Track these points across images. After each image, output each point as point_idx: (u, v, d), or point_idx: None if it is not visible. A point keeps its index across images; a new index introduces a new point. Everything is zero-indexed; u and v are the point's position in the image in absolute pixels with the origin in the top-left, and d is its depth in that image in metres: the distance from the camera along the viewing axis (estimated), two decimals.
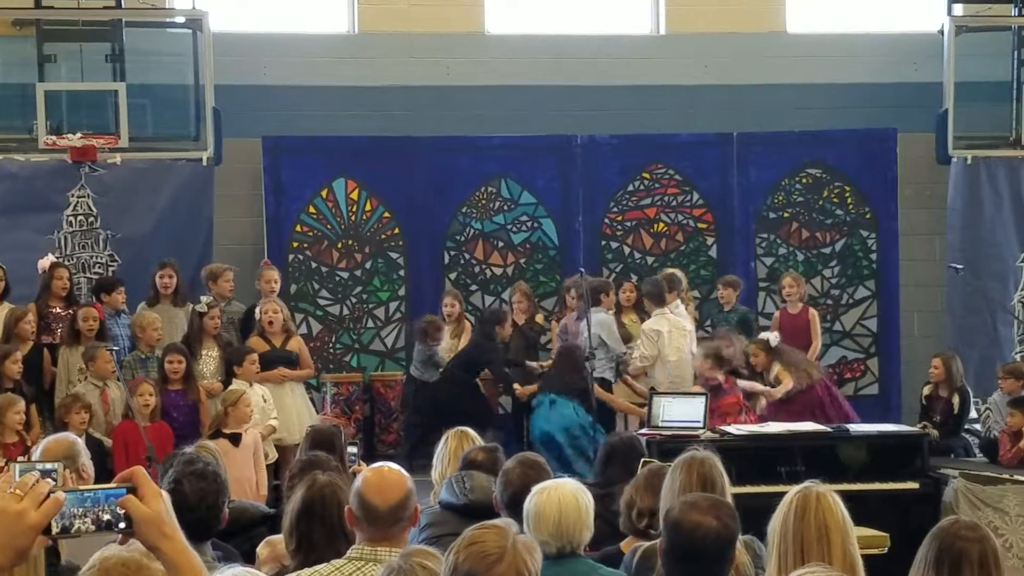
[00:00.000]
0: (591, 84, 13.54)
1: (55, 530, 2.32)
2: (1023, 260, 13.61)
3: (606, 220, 13.41)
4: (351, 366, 12.90)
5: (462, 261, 13.23)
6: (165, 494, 2.42)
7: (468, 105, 13.40)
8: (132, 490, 2.37)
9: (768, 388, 10.87)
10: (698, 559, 4.12)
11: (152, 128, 12.80)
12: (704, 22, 13.86)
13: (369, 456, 10.13)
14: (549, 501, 4.73)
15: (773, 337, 11.08)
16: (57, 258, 11.39)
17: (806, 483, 4.39)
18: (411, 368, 11.92)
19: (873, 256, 13.62)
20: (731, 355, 10.61)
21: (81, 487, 2.38)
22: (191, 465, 4.81)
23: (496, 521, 3.26)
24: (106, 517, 2.36)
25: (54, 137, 11.95)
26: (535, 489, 4.86)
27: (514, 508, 5.20)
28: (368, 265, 13.10)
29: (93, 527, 2.35)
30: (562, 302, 12.34)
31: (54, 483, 2.35)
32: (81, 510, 2.34)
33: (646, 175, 13.47)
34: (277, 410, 10.35)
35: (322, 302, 13.02)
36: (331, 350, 12.94)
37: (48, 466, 4.91)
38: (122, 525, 2.36)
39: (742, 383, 10.74)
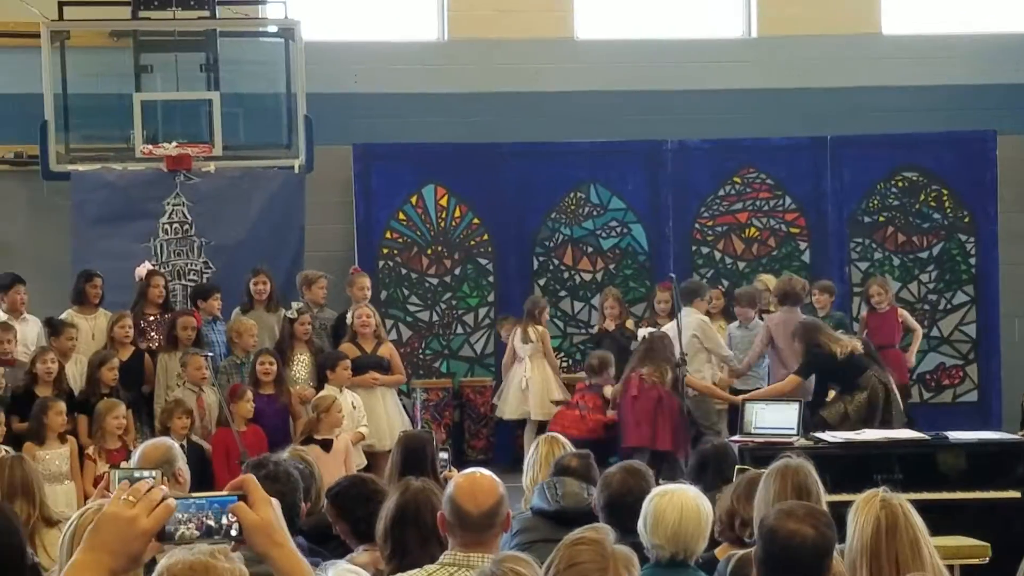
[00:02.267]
0: (681, 89, 13.47)
1: (167, 536, 2.33)
2: None
3: (696, 225, 13.33)
4: (441, 372, 12.93)
5: (551, 267, 13.21)
6: (276, 502, 2.43)
7: (557, 111, 13.38)
8: (243, 498, 2.38)
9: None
10: (794, 569, 4.05)
11: (244, 137, 12.92)
12: (796, 25, 13.72)
13: (459, 462, 10.13)
14: (670, 505, 4.69)
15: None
16: (153, 266, 11.54)
17: (879, 494, 4.30)
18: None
19: (972, 260, 13.39)
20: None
21: (192, 495, 2.40)
22: (261, 468, 4.83)
23: (591, 532, 3.21)
24: (216, 524, 2.37)
25: (150, 146, 12.11)
26: (656, 491, 4.83)
27: (611, 513, 5.17)
28: (457, 271, 13.13)
29: (203, 534, 2.37)
30: (651, 308, 12.28)
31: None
32: (192, 517, 2.36)
33: (737, 179, 13.36)
34: (368, 416, 10.39)
35: (412, 308, 13.06)
36: (421, 356, 12.98)
37: (146, 473, 4.99)
38: (233, 532, 2.37)
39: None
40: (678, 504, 4.69)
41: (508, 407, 11.87)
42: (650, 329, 11.08)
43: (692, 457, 7.04)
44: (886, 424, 9.84)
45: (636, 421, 10.52)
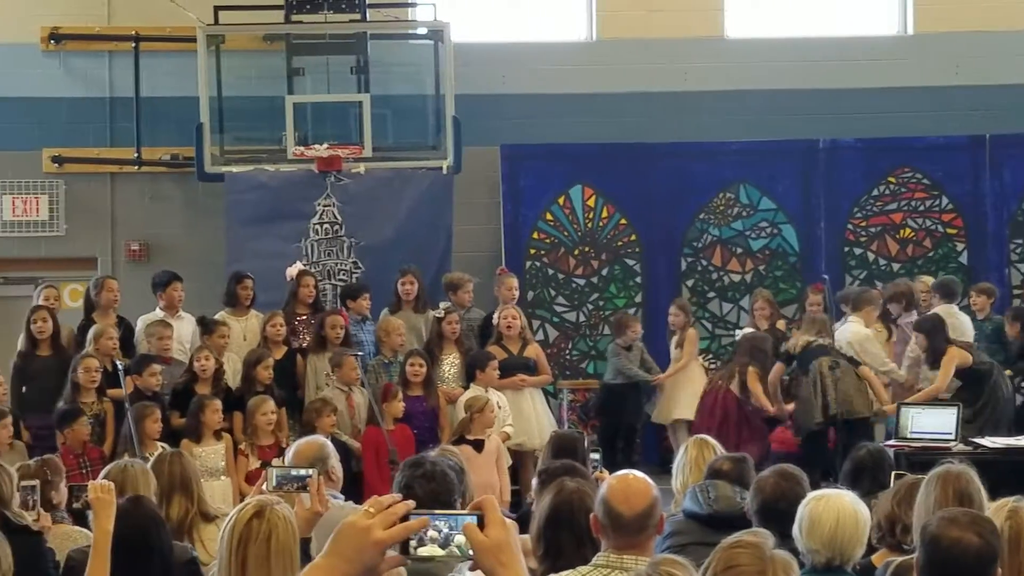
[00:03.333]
0: (834, 87, 13.25)
1: (408, 550, 2.39)
2: None
3: (849, 226, 13.11)
4: (587, 373, 12.90)
5: (699, 268, 13.09)
6: (513, 524, 2.46)
7: (706, 110, 13.26)
8: (480, 518, 2.42)
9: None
10: None
11: (393, 138, 13.04)
12: (954, 21, 13.41)
13: (609, 465, 10.08)
14: (827, 510, 4.60)
15: None
16: (304, 266, 11.70)
17: (1009, 503, 4.19)
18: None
19: None
20: None
21: (436, 511, 2.44)
22: (419, 468, 4.84)
23: (750, 536, 3.15)
24: (454, 543, 2.41)
25: (302, 148, 12.28)
26: (812, 496, 4.75)
27: (764, 517, 5.09)
28: (605, 272, 13.09)
29: (442, 551, 2.41)
30: (802, 309, 12.10)
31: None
32: (433, 533, 2.41)
33: (892, 179, 13.12)
34: (516, 416, 10.41)
35: (558, 309, 13.06)
36: (567, 357, 12.97)
37: (303, 471, 5.05)
38: (469, 552, 2.41)
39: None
40: (835, 509, 4.60)
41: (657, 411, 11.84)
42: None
43: (847, 463, 6.91)
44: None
45: (701, 419, 11.21)
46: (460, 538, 2.40)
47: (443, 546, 2.40)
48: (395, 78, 13.14)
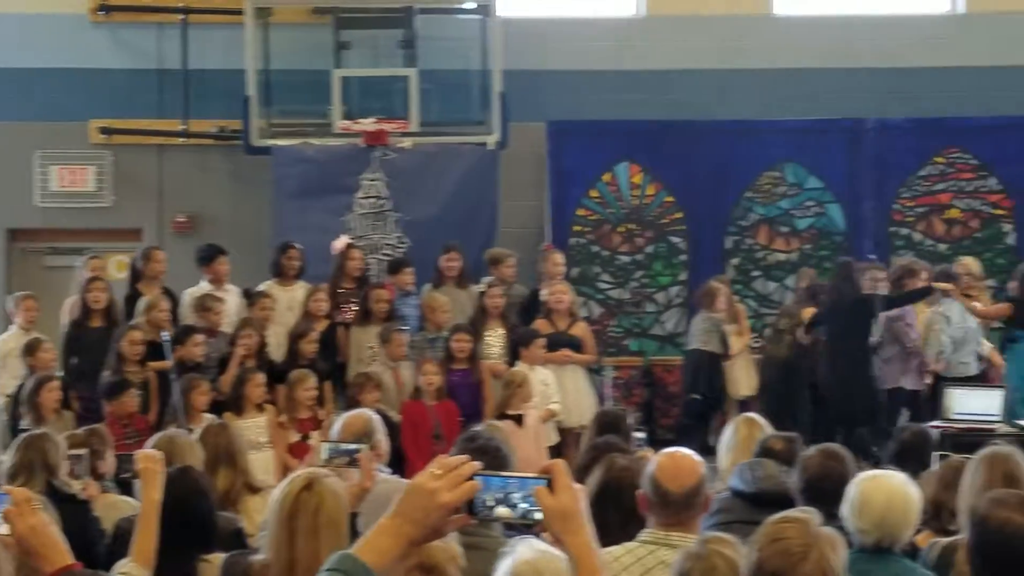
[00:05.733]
0: (883, 66, 13.15)
1: (476, 511, 2.39)
2: None
3: (896, 205, 13.04)
4: (630, 350, 12.89)
5: (744, 246, 13.05)
6: (582, 489, 2.45)
7: (754, 88, 13.20)
8: (549, 482, 2.40)
9: None
10: (1009, 557, 3.93)
11: (440, 113, 13.01)
12: (1005, 1, 13.25)
13: (651, 442, 10.08)
14: (877, 490, 4.57)
15: None
16: (351, 239, 11.73)
17: None
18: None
19: None
20: None
21: (503, 473, 2.43)
22: (472, 442, 4.88)
23: (797, 512, 3.16)
24: (523, 506, 2.40)
25: (348, 122, 12.30)
26: (863, 476, 4.72)
27: (809, 496, 5.08)
28: (650, 249, 13.07)
29: (512, 513, 2.40)
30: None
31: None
32: (503, 495, 2.40)
33: (940, 159, 13.03)
34: (559, 393, 10.39)
35: (603, 286, 13.05)
36: (611, 334, 12.96)
37: (352, 446, 5.09)
38: (537, 516, 2.39)
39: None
40: (886, 489, 4.57)
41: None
42: None
43: (892, 443, 6.90)
44: None
45: None
46: (528, 502, 2.39)
47: (512, 508, 2.39)
48: (442, 53, 13.11)
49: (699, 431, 11.22)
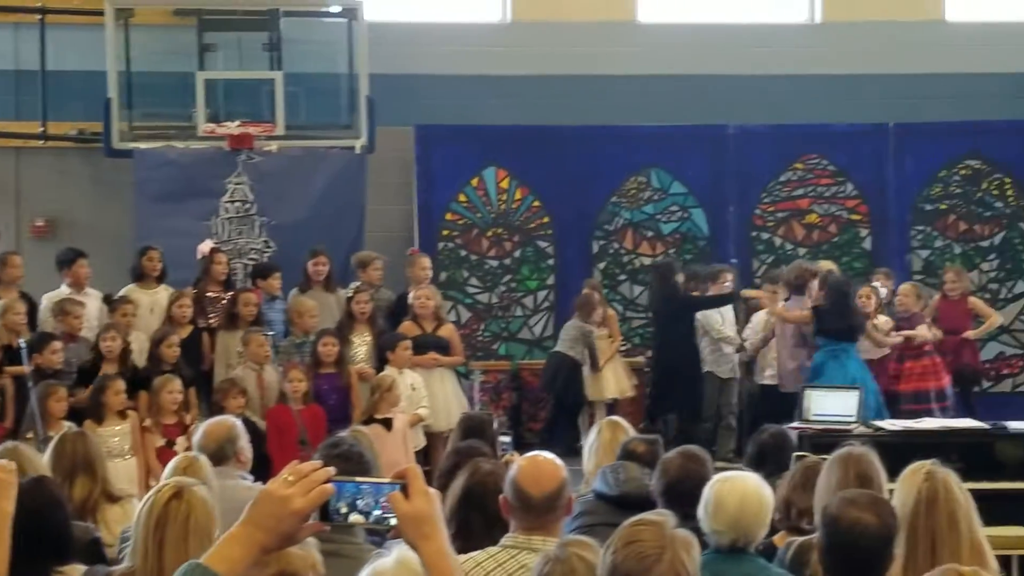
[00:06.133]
0: (744, 73, 13.39)
1: (329, 517, 2.36)
2: None
3: (757, 211, 13.27)
4: (499, 354, 12.95)
5: (611, 251, 13.19)
6: (436, 494, 2.43)
7: (619, 94, 13.34)
8: (404, 487, 2.39)
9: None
10: (857, 556, 4.04)
11: (306, 116, 12.96)
12: (861, 10, 13.63)
13: (518, 446, 10.15)
14: (732, 491, 4.65)
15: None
16: (215, 243, 11.60)
17: (926, 467, 4.28)
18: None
19: None
20: None
21: (358, 479, 2.41)
22: (335, 448, 4.87)
23: (652, 515, 3.20)
24: (378, 512, 2.39)
25: (213, 125, 12.16)
26: (717, 478, 4.80)
27: (669, 498, 5.16)
28: (517, 254, 13.13)
29: (365, 519, 2.39)
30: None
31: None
32: (357, 501, 2.38)
33: (799, 165, 13.30)
34: (428, 397, 10.40)
35: (471, 290, 13.09)
36: (480, 338, 13.01)
37: None
38: (392, 521, 2.38)
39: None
40: (740, 491, 4.65)
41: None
42: None
43: (751, 445, 7.02)
44: None
45: None
46: (383, 508, 2.37)
47: (365, 514, 2.38)
48: (309, 56, 13.05)
49: (567, 434, 11.32)
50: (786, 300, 11.38)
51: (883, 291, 11.64)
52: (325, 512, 2.36)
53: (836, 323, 10.86)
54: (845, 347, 10.82)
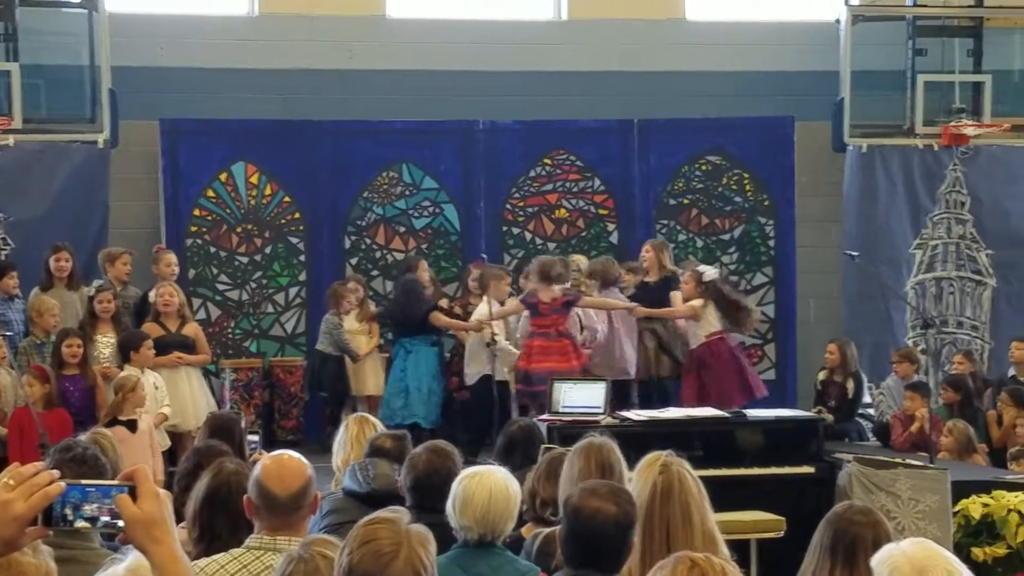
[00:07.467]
0: (493, 70, 13.52)
1: (54, 522, 2.28)
2: (916, 247, 13.86)
3: (508, 206, 13.43)
4: (250, 352, 12.78)
5: (363, 246, 13.16)
6: (166, 495, 2.37)
7: (370, 89, 13.32)
8: (132, 489, 2.32)
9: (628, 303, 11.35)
10: (597, 545, 4.15)
11: (46, 110, 12.57)
12: (605, 8, 13.88)
13: (269, 443, 10.07)
14: (480, 487, 4.70)
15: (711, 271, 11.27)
16: None
17: (661, 459, 4.43)
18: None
19: (771, 243, 13.78)
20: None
21: (84, 481, 2.33)
22: (68, 452, 4.74)
23: (386, 512, 3.21)
24: (104, 515, 2.32)
25: None
26: (465, 473, 4.85)
27: (417, 493, 5.20)
28: (268, 250, 12.99)
29: (92, 524, 2.31)
30: (464, 287, 12.36)
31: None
32: (83, 505, 2.30)
33: (548, 161, 13.50)
34: (173, 396, 10.25)
35: (221, 287, 12.88)
36: (230, 335, 12.82)
37: None
38: (120, 524, 2.31)
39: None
40: (487, 486, 4.72)
41: None
42: None
43: (500, 438, 7.12)
44: None
45: None
46: (111, 511, 2.32)
47: (92, 519, 2.32)
48: (48, 47, 12.65)
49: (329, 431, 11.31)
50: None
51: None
52: (49, 516, 2.29)
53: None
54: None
